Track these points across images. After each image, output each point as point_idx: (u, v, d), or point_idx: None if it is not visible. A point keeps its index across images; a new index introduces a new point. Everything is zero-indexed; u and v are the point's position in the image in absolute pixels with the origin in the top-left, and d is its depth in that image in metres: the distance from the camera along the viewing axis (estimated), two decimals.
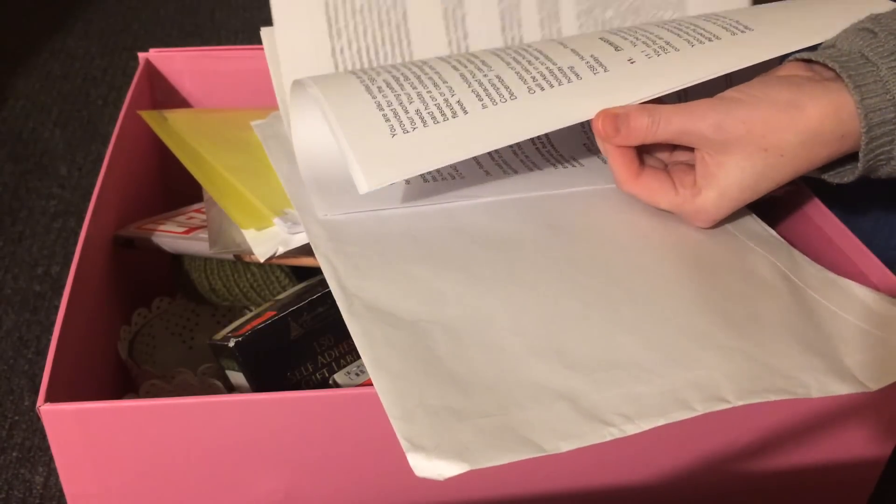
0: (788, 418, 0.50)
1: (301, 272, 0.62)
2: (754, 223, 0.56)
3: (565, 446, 0.38)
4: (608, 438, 0.39)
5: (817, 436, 0.51)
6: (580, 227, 0.53)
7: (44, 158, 1.02)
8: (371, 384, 0.47)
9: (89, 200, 0.57)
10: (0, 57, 1.23)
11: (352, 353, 0.56)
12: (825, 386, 0.43)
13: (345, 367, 0.55)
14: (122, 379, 0.62)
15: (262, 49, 0.64)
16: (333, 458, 0.48)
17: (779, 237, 0.55)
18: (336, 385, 0.53)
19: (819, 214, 0.60)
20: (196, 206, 0.69)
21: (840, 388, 0.43)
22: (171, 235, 0.61)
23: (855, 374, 0.44)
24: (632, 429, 0.40)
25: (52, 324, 0.77)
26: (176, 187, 0.72)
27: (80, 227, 0.89)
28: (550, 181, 0.58)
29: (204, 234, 0.60)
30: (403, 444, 0.38)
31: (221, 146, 0.64)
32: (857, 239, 0.56)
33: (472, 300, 0.46)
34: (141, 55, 0.76)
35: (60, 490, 0.64)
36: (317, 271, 0.60)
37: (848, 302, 0.49)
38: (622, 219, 0.54)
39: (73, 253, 0.60)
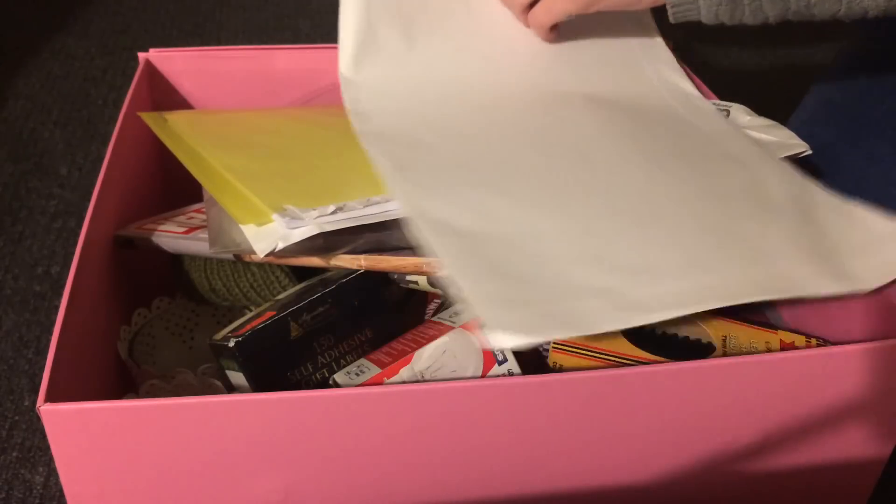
0: (788, 418, 0.50)
1: (301, 272, 0.62)
2: (770, 156, 0.62)
3: (608, 327, 0.45)
4: (647, 322, 0.46)
5: (817, 436, 0.51)
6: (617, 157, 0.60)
7: (44, 158, 1.02)
8: (371, 384, 0.47)
9: (89, 200, 0.57)
10: (0, 57, 1.23)
11: (352, 353, 0.56)
12: (821, 286, 0.50)
13: (345, 367, 0.55)
14: (122, 379, 0.62)
15: (262, 49, 0.64)
16: (333, 458, 0.48)
17: (793, 168, 0.61)
18: (336, 385, 0.53)
19: None
20: (196, 206, 0.69)
21: (837, 288, 0.50)
22: (171, 235, 0.61)
23: (852, 277, 0.51)
24: (666, 314, 0.46)
25: (52, 324, 0.77)
26: (176, 187, 0.72)
27: (80, 227, 0.89)
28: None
29: (204, 234, 0.60)
30: (486, 322, 0.44)
31: (221, 146, 0.64)
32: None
33: (521, 216, 0.53)
34: (141, 55, 0.76)
35: (60, 490, 0.64)
36: (317, 271, 0.60)
37: (855, 221, 0.57)
38: (650, 147, 0.62)
39: (73, 253, 0.60)
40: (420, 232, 0.51)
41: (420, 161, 0.59)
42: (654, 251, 0.51)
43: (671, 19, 0.63)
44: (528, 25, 0.71)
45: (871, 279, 0.52)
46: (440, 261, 0.49)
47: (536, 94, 0.68)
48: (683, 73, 0.73)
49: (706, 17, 0.61)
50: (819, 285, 0.50)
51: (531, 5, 0.69)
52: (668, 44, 0.76)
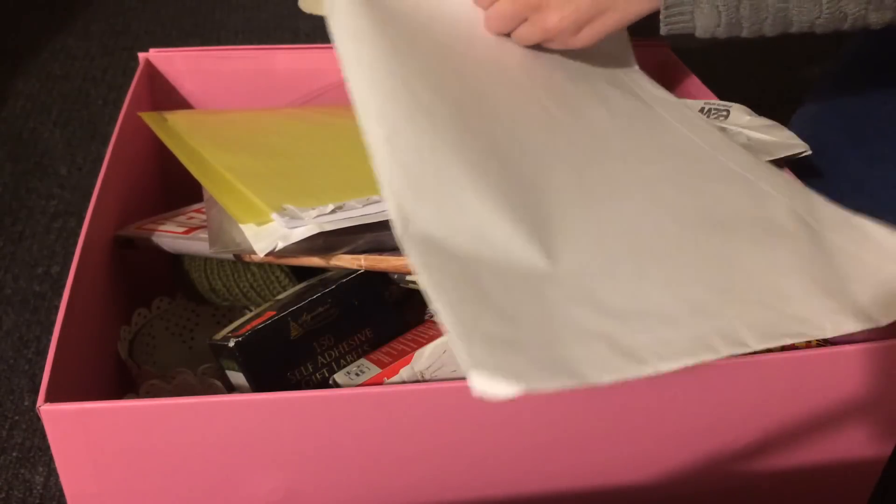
0: (788, 418, 0.50)
1: (301, 272, 0.62)
2: (772, 170, 0.59)
3: (608, 378, 0.41)
4: (644, 375, 0.42)
5: (817, 436, 0.51)
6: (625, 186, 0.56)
7: (44, 158, 1.02)
8: (371, 384, 0.47)
9: (89, 200, 0.57)
10: (0, 57, 1.23)
11: (352, 353, 0.56)
12: (839, 325, 0.47)
13: (345, 367, 0.55)
14: (122, 379, 0.62)
15: (262, 49, 0.64)
16: (333, 458, 0.48)
17: (796, 180, 0.58)
18: (336, 385, 0.53)
19: None
20: (196, 206, 0.69)
21: (854, 326, 0.47)
22: (171, 235, 0.61)
23: (868, 312, 0.48)
24: (665, 366, 0.43)
25: (52, 324, 0.77)
26: (176, 187, 0.72)
27: (80, 227, 0.89)
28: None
29: (204, 234, 0.60)
30: (467, 359, 0.39)
31: (221, 146, 0.64)
32: None
33: (517, 246, 0.48)
34: (141, 55, 0.76)
35: (60, 490, 0.64)
36: (317, 271, 0.60)
37: (863, 240, 0.53)
38: (659, 176, 0.58)
39: (73, 253, 0.60)
40: (405, 248, 0.46)
41: (414, 130, 0.52)
42: (656, 293, 0.48)
43: (663, 33, 0.60)
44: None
45: (889, 313, 0.48)
46: (425, 287, 0.43)
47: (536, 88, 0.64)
48: (661, 87, 0.69)
49: (701, 35, 0.59)
50: (836, 325, 0.47)
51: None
52: (666, 44, 0.75)
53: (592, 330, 0.44)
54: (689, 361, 0.43)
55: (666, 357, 0.43)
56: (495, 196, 0.50)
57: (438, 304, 0.42)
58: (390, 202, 0.47)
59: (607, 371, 0.41)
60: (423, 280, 0.43)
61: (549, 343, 0.42)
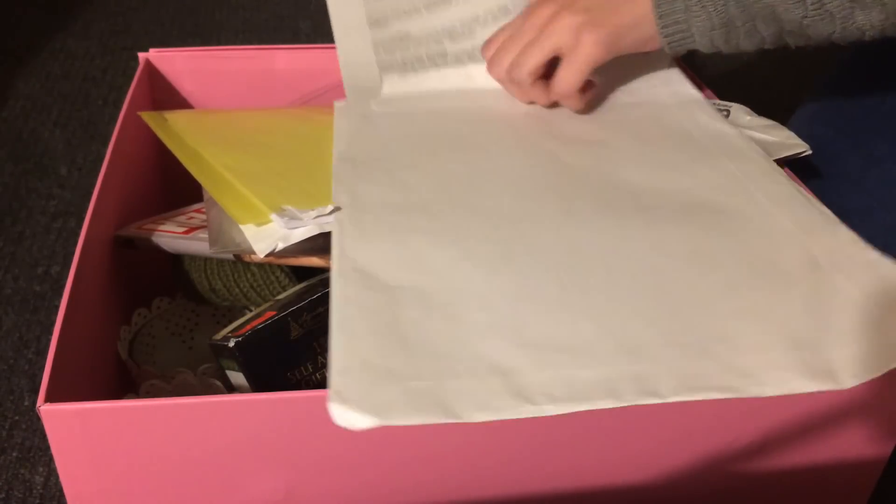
0: (788, 418, 0.50)
1: (301, 272, 0.62)
2: (804, 202, 0.55)
3: (480, 417, 0.40)
4: (524, 416, 0.41)
5: (817, 436, 0.51)
6: (587, 214, 0.54)
7: (44, 158, 1.02)
8: None
9: (89, 200, 0.57)
10: (0, 57, 1.23)
11: None
12: (783, 384, 0.43)
13: None
14: (122, 379, 0.62)
15: (262, 49, 0.64)
16: (333, 458, 0.48)
17: (827, 212, 0.55)
18: None
19: None
20: (196, 206, 0.69)
21: (804, 386, 0.43)
22: (171, 235, 0.61)
23: (834, 371, 0.44)
24: (551, 410, 0.41)
25: (52, 324, 0.77)
26: (176, 187, 0.72)
27: (80, 227, 0.89)
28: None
29: (204, 234, 0.60)
30: (330, 393, 0.40)
31: (221, 146, 0.64)
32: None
33: (456, 273, 0.49)
34: (141, 55, 0.76)
35: (60, 490, 0.64)
36: (317, 271, 0.60)
37: (876, 286, 0.49)
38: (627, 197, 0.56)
39: (73, 253, 0.60)
40: (334, 279, 0.47)
41: (374, 171, 0.56)
42: (587, 326, 0.45)
43: (667, 50, 0.60)
44: (548, 100, 0.65)
45: (858, 373, 0.44)
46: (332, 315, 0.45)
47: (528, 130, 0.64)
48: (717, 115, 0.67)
49: (702, 44, 0.59)
50: (780, 384, 0.43)
51: (542, 76, 0.64)
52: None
53: (496, 363, 0.43)
54: (583, 407, 0.41)
55: (558, 400, 0.41)
56: (447, 233, 0.52)
57: (332, 341, 0.44)
58: (335, 250, 0.50)
59: (485, 410, 0.41)
60: (332, 316, 0.45)
61: (439, 374, 0.42)
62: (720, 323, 0.46)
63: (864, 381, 0.43)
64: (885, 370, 0.44)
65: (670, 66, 0.71)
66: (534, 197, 0.56)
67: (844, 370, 0.44)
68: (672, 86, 0.70)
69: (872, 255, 0.51)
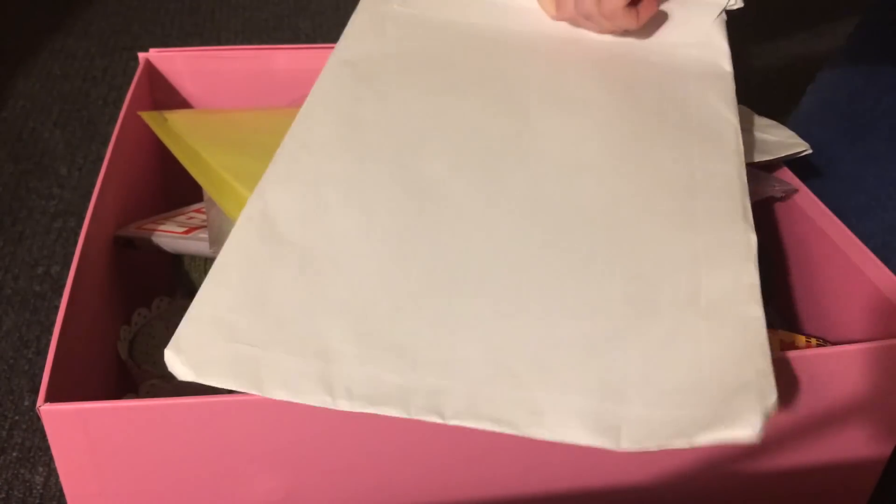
0: (788, 418, 0.50)
1: None
2: (738, 221, 0.50)
3: (280, 395, 0.41)
4: (318, 405, 0.41)
5: (817, 436, 0.51)
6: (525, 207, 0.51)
7: (44, 158, 1.02)
8: None
9: (89, 200, 0.57)
10: (0, 57, 1.23)
11: None
12: (565, 432, 0.40)
13: None
14: (122, 379, 0.62)
15: (262, 49, 0.64)
16: (333, 459, 0.48)
17: (753, 246, 0.49)
18: None
19: (821, 216, 0.60)
20: (196, 206, 0.69)
21: (584, 440, 0.40)
22: (171, 235, 0.61)
23: (620, 428, 0.40)
24: (345, 406, 0.41)
25: (52, 324, 0.77)
26: (176, 187, 0.72)
27: (80, 227, 0.89)
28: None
29: (204, 234, 0.60)
30: (171, 339, 0.42)
31: (221, 147, 0.64)
32: (858, 240, 0.56)
33: (348, 243, 0.48)
34: (141, 55, 0.76)
35: (60, 490, 0.64)
36: None
37: (735, 346, 0.44)
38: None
39: (73, 253, 0.60)
40: (239, 220, 0.47)
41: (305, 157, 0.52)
42: (427, 331, 0.44)
43: None
44: (601, 25, 0.62)
45: (647, 438, 0.40)
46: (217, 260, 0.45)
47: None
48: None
49: None
50: (555, 427, 0.41)
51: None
52: None
53: (326, 346, 0.43)
54: (371, 410, 0.41)
55: (355, 398, 0.41)
56: (370, 202, 0.50)
57: (203, 286, 0.44)
58: (255, 191, 0.49)
59: (285, 389, 0.41)
60: (217, 260, 0.45)
61: (270, 344, 0.42)
62: (551, 351, 0.43)
63: (637, 449, 0.40)
64: (663, 447, 0.40)
65: (720, 30, 0.69)
66: (471, 169, 0.52)
67: (629, 432, 0.40)
68: (705, 54, 0.67)
69: (754, 313, 0.45)
